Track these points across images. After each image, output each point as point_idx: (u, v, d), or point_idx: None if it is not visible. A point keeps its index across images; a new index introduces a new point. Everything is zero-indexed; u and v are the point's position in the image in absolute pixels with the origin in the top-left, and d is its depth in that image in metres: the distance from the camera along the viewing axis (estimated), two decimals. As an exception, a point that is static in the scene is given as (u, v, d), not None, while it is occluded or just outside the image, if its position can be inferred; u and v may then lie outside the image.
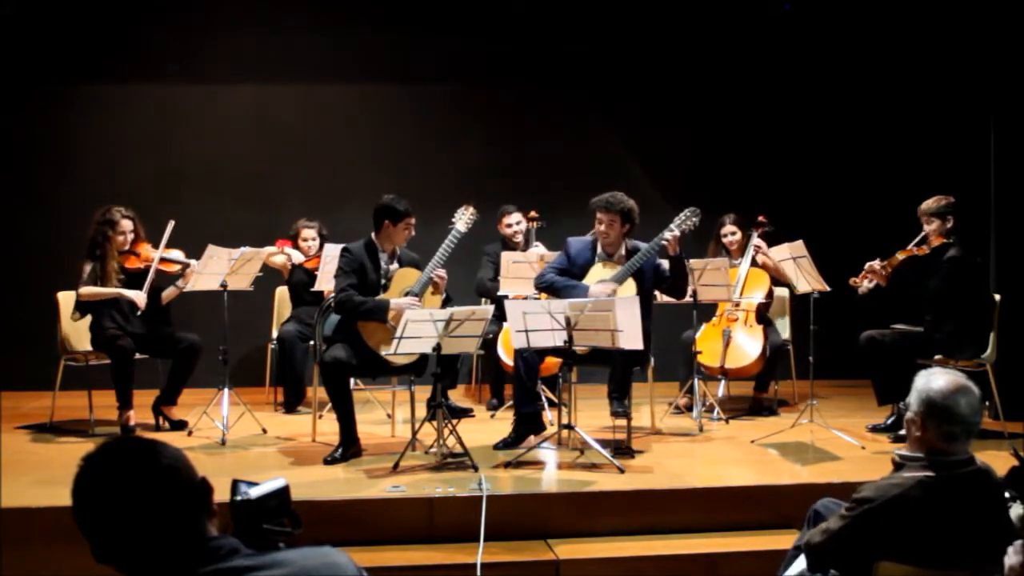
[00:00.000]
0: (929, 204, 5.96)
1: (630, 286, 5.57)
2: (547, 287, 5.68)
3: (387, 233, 5.47)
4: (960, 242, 5.89)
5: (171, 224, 6.01)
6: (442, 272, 5.51)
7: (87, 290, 5.92)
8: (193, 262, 6.00)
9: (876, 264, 5.92)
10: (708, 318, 6.86)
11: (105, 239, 5.96)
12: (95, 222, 6.00)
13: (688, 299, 6.26)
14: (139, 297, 5.91)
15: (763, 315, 6.80)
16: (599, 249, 5.79)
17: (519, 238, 7.15)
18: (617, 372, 5.48)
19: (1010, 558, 2.60)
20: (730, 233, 6.98)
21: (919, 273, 5.94)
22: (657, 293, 6.38)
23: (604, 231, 5.69)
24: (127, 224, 6.02)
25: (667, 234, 5.60)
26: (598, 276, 5.69)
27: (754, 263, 6.81)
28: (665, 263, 5.74)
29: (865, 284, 6.01)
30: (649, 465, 5.19)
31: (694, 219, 5.73)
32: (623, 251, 5.76)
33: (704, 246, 7.09)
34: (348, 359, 5.26)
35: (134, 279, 6.01)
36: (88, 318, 6.04)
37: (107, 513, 1.75)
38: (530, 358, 5.44)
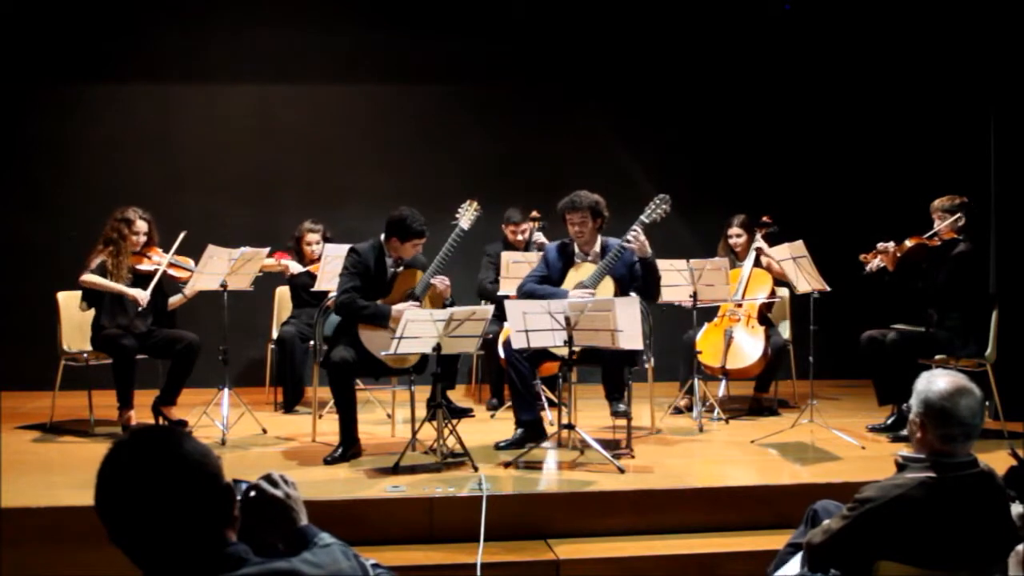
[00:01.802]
0: (942, 201, 5.98)
1: (608, 286, 5.56)
2: (528, 297, 5.67)
3: (394, 246, 5.47)
4: (969, 239, 5.90)
5: (183, 234, 6.07)
6: (443, 278, 5.50)
7: (89, 278, 5.92)
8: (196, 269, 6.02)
9: (888, 245, 5.91)
10: (710, 318, 6.86)
11: (121, 236, 5.99)
12: (112, 219, 6.04)
13: (688, 299, 6.27)
14: (141, 295, 5.91)
15: (765, 316, 6.80)
16: (576, 250, 5.80)
17: (522, 246, 7.17)
18: (609, 372, 5.48)
19: (1021, 545, 2.62)
20: (735, 235, 6.98)
21: (926, 264, 5.94)
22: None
23: (578, 230, 5.71)
24: (143, 225, 6.08)
25: (629, 236, 5.55)
26: (575, 279, 5.70)
27: (758, 263, 6.81)
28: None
29: (875, 263, 6.01)
30: (649, 465, 5.18)
31: (664, 207, 5.71)
32: (597, 248, 5.77)
33: (711, 246, 7.10)
34: (353, 360, 5.26)
35: (141, 280, 6.02)
36: (91, 314, 6.03)
37: (125, 495, 1.74)
38: (522, 368, 5.44)
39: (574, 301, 5.12)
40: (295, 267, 7.04)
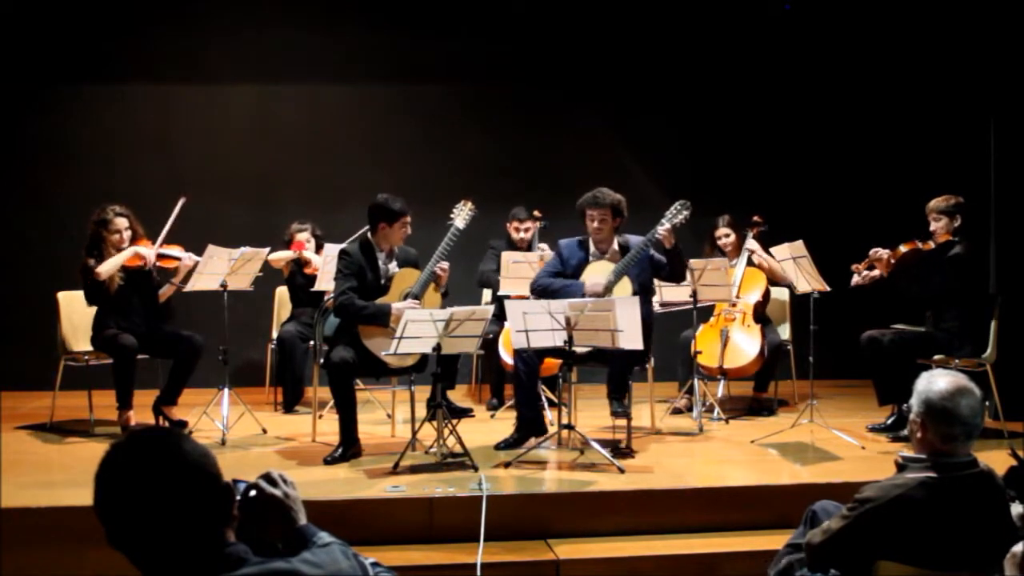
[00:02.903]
0: (938, 202, 5.97)
1: (625, 285, 5.57)
2: (542, 291, 5.68)
3: (384, 233, 5.47)
4: (965, 240, 5.90)
5: (182, 200, 6.01)
6: (444, 264, 5.51)
7: (105, 267, 5.86)
8: (186, 257, 5.98)
9: (882, 252, 5.91)
10: (705, 318, 6.85)
11: (100, 239, 5.94)
12: (91, 222, 5.99)
13: (688, 299, 6.27)
14: (147, 253, 5.89)
15: (760, 314, 6.79)
16: (591, 247, 5.80)
17: (524, 245, 7.16)
18: (616, 372, 5.48)
19: (1017, 546, 2.62)
20: (724, 235, 6.98)
21: (921, 269, 5.94)
22: (657, 300, 6.37)
23: (597, 227, 5.71)
24: (122, 222, 5.97)
25: (660, 229, 5.60)
26: (592, 276, 5.69)
27: (750, 263, 6.80)
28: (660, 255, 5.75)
29: (860, 275, 6.00)
30: (649, 465, 5.18)
31: (685, 212, 5.72)
32: (615, 246, 5.77)
33: (703, 246, 7.09)
34: (353, 360, 5.26)
35: (134, 277, 6.00)
36: (91, 314, 6.02)
37: (124, 498, 1.74)
38: (530, 360, 5.44)
39: (574, 301, 5.12)
40: (316, 259, 7.01)
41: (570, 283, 5.63)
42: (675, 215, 5.70)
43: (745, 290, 6.73)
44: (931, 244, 5.92)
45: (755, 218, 6.87)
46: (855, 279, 6.06)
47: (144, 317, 6.04)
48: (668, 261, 5.72)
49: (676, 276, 5.86)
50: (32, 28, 7.78)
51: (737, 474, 5.22)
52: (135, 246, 5.95)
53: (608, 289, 5.56)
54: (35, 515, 4.31)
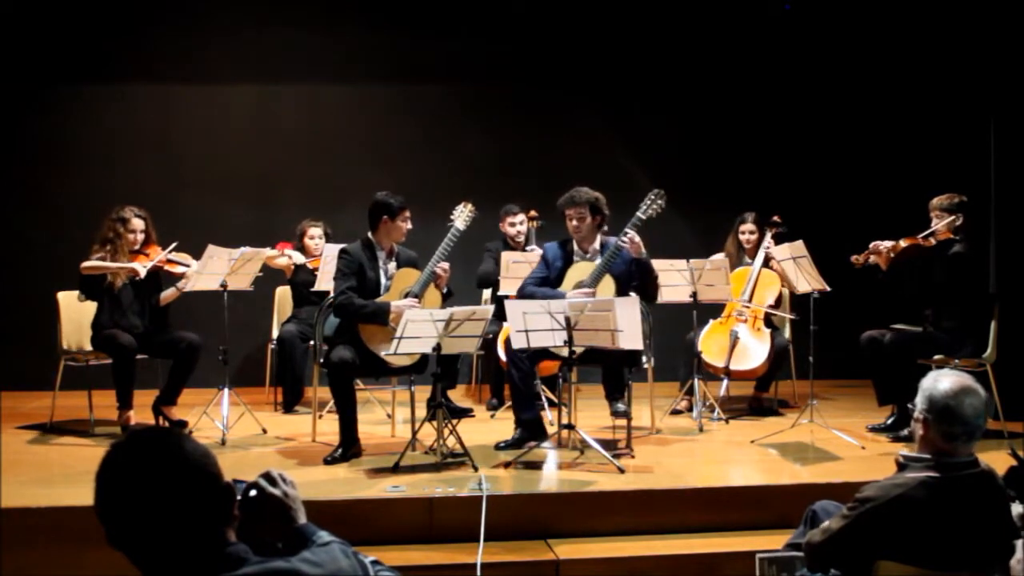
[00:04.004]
0: (941, 200, 5.95)
1: (608, 285, 5.55)
2: (527, 300, 5.66)
3: (386, 229, 5.47)
4: (966, 239, 5.89)
5: (173, 245, 6.06)
6: (445, 265, 5.51)
7: (89, 263, 5.90)
8: (195, 264, 6.00)
9: (881, 244, 5.89)
10: (714, 315, 6.82)
11: (117, 236, 5.97)
12: (108, 219, 6.02)
13: (688, 299, 6.26)
14: (139, 267, 5.91)
15: (770, 318, 6.77)
16: (575, 248, 5.79)
17: (521, 238, 7.16)
18: (610, 373, 5.47)
19: (1019, 551, 2.62)
20: (748, 232, 6.95)
21: (921, 265, 5.93)
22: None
23: (576, 226, 5.70)
24: (139, 223, 6.04)
25: (623, 238, 5.55)
26: (575, 277, 5.67)
27: (767, 265, 6.77)
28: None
29: (866, 255, 5.96)
30: (649, 465, 5.18)
31: (660, 202, 5.68)
32: (596, 245, 5.75)
33: (711, 246, 7.09)
34: (353, 359, 5.26)
35: (139, 279, 6.01)
36: (91, 314, 6.02)
37: (124, 498, 1.74)
38: (523, 365, 5.43)
39: (574, 301, 5.12)
40: (298, 257, 7.04)
41: (553, 293, 5.58)
42: (649, 206, 5.67)
43: (760, 292, 6.69)
44: (932, 241, 5.90)
45: (774, 218, 6.83)
46: (858, 257, 5.97)
47: (143, 317, 6.05)
48: (638, 273, 5.62)
49: (644, 294, 5.61)
50: (32, 28, 7.78)
51: (737, 474, 5.23)
52: (132, 262, 5.95)
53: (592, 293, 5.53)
54: (35, 515, 4.30)
